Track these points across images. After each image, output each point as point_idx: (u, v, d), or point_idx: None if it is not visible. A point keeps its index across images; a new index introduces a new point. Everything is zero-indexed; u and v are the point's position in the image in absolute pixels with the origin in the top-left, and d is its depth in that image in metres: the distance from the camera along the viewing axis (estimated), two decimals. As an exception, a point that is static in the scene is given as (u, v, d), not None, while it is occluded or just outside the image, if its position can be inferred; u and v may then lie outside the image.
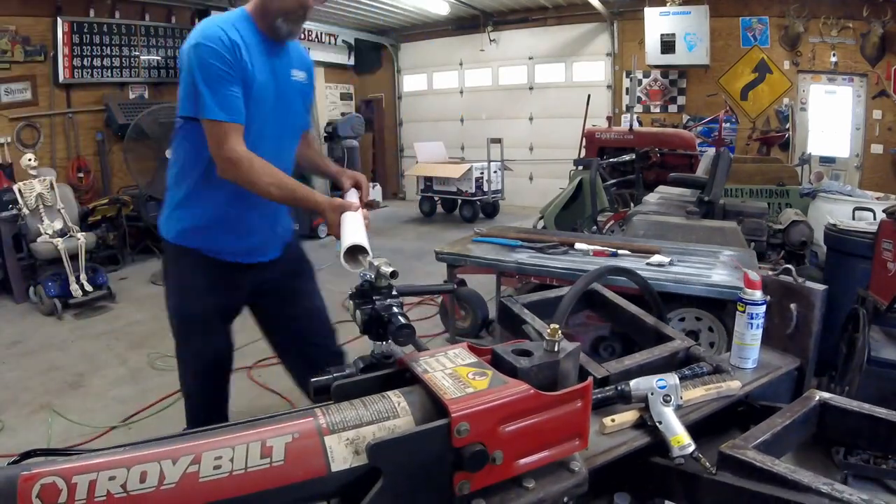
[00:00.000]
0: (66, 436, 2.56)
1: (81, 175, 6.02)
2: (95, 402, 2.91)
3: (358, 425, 0.67)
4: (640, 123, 7.46)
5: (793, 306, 1.19)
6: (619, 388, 0.99)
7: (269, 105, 1.55)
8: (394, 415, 0.69)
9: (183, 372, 1.77)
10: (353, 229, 1.27)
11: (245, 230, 1.61)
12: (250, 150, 1.45)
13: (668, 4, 7.33)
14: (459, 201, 7.95)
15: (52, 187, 4.43)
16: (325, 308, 1.83)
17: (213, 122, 1.41)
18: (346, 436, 0.66)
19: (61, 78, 5.78)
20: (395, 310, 0.86)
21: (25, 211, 4.31)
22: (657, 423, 0.94)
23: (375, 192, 9.54)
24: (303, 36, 8.64)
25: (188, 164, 1.56)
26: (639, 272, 1.36)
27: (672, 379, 0.98)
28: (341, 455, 0.65)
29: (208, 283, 1.59)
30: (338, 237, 1.29)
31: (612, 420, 0.96)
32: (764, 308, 1.13)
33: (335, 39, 9.35)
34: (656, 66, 7.81)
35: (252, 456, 0.61)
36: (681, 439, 0.91)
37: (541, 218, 4.33)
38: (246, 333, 3.92)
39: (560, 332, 0.83)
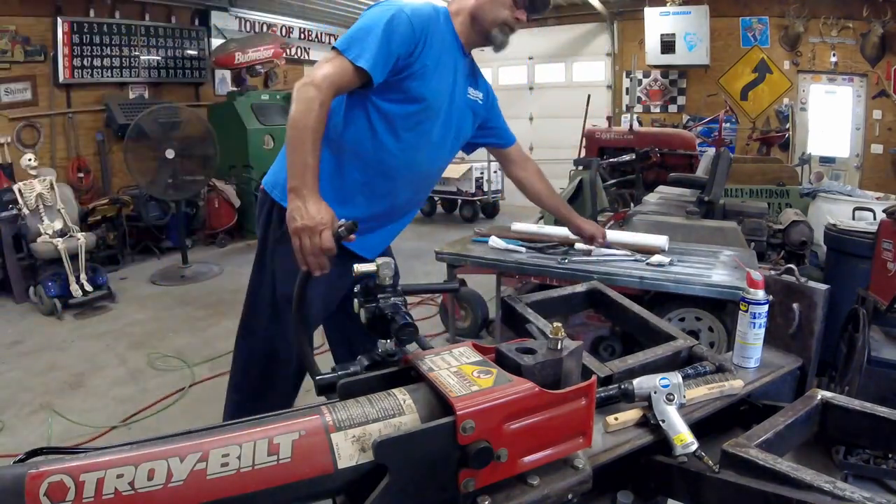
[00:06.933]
0: (66, 436, 2.56)
1: (81, 175, 6.01)
2: (95, 402, 2.91)
3: (364, 423, 0.67)
4: (640, 123, 7.46)
5: (795, 306, 1.20)
6: (622, 386, 0.99)
7: (442, 112, 1.52)
8: (399, 412, 0.69)
9: None
10: None
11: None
12: (410, 149, 1.46)
13: (668, 4, 7.33)
14: (459, 201, 7.95)
15: (52, 187, 4.42)
16: None
17: (338, 54, 1.32)
18: (353, 433, 0.66)
19: (61, 78, 5.77)
20: (399, 308, 0.87)
21: (25, 211, 4.30)
22: (660, 422, 0.94)
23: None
24: (302, 35, 8.71)
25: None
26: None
27: (675, 378, 0.98)
28: (347, 452, 0.65)
29: None
30: None
31: (616, 418, 0.96)
32: (766, 307, 1.13)
33: (335, 40, 9.35)
34: (656, 66, 7.82)
35: (259, 453, 0.62)
36: (684, 438, 0.92)
37: (541, 218, 4.33)
38: (246, 333, 3.93)
39: (563, 330, 0.84)
